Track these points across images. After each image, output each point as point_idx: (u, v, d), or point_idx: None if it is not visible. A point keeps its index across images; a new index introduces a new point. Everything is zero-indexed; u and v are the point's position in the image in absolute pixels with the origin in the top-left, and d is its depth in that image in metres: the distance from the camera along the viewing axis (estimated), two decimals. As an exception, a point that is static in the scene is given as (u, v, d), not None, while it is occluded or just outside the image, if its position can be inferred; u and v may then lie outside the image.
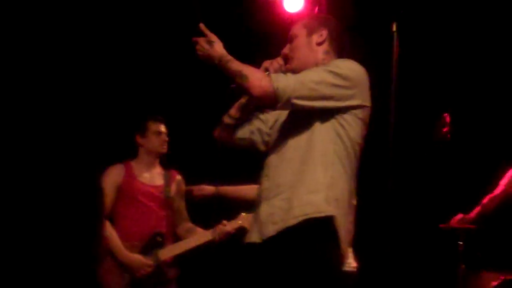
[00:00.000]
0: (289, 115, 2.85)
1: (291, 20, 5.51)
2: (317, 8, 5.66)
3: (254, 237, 2.72)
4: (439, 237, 5.22)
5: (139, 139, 4.44)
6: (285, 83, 2.58)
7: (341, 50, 2.91)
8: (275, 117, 2.97)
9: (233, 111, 2.96)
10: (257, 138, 2.97)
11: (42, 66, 5.37)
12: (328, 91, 2.62)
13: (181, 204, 4.50)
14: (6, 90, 5.12)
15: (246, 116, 2.97)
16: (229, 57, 2.67)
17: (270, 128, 2.97)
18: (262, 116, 3.00)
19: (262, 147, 2.97)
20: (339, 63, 2.73)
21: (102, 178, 4.30)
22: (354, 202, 2.79)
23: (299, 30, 2.90)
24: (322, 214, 2.59)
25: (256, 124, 2.98)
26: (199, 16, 5.67)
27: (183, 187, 4.52)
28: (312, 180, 2.63)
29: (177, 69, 5.83)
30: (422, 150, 5.72)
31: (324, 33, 2.87)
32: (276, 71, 2.80)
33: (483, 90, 5.87)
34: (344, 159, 2.69)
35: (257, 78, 2.60)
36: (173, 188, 4.44)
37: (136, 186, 4.33)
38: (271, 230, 2.63)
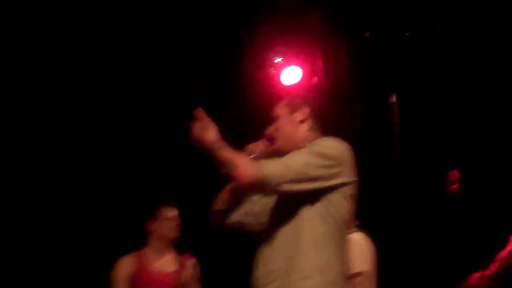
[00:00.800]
0: (276, 199, 2.81)
1: (288, 93, 5.62)
2: (315, 79, 5.77)
3: None
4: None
5: (151, 226, 4.45)
6: (273, 169, 2.56)
7: (324, 125, 2.92)
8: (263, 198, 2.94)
9: (223, 195, 2.93)
10: (250, 220, 2.93)
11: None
12: (314, 172, 2.59)
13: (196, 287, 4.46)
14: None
15: (238, 199, 2.93)
16: (221, 144, 2.65)
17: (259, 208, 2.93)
18: (253, 197, 2.95)
19: (258, 228, 2.91)
20: (323, 143, 2.73)
21: (114, 270, 4.30)
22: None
23: (281, 110, 2.91)
24: None
25: (248, 205, 2.94)
26: (200, 97, 5.85)
27: (198, 269, 4.48)
28: (305, 265, 2.58)
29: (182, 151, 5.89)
30: (433, 207, 5.65)
31: (306, 110, 2.88)
32: (262, 153, 2.81)
33: (491, 145, 5.83)
34: (336, 238, 2.65)
35: (245, 167, 2.56)
36: (187, 272, 4.40)
37: (147, 276, 4.28)
38: None
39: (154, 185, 5.78)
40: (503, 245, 5.14)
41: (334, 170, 2.64)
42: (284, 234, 2.66)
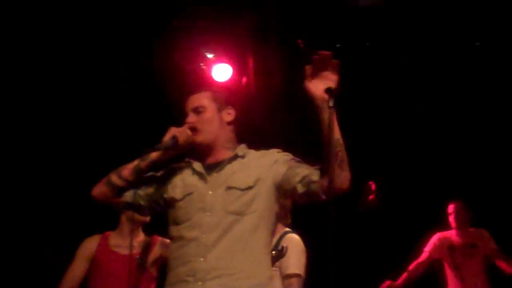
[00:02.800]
0: (230, 199, 2.71)
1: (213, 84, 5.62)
2: (244, 79, 5.80)
3: None
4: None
5: None
6: None
7: (240, 128, 2.94)
8: (183, 189, 2.81)
9: (126, 172, 2.81)
10: (144, 203, 2.86)
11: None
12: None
13: None
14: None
15: (138, 180, 2.83)
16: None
17: (178, 199, 2.79)
18: (153, 182, 2.88)
19: (146, 213, 2.95)
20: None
21: (78, 249, 4.20)
22: None
23: (208, 103, 2.86)
24: None
25: (144, 189, 2.85)
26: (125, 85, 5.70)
27: (168, 244, 4.35)
28: (259, 273, 2.62)
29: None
30: (350, 217, 5.86)
31: (232, 112, 2.90)
32: (184, 142, 2.76)
33: (408, 161, 6.14)
34: (270, 241, 2.77)
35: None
36: (154, 253, 4.30)
37: (108, 257, 4.17)
38: None
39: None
40: (413, 257, 5.48)
41: None
42: (238, 236, 2.62)
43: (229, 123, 2.87)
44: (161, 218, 3.91)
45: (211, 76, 5.69)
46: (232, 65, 5.71)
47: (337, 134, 2.54)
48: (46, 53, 5.31)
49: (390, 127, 6.20)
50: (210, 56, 5.67)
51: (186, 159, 2.91)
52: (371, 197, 5.17)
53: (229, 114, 2.87)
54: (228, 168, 2.78)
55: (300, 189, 2.62)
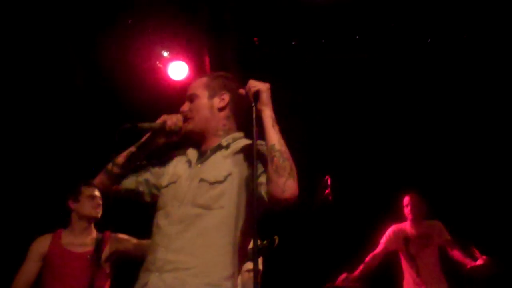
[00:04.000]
0: (199, 191, 2.65)
1: (175, 87, 5.62)
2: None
3: None
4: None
5: (72, 205, 4.27)
6: None
7: (241, 114, 2.85)
8: (170, 177, 2.81)
9: (120, 159, 2.80)
10: (144, 189, 2.84)
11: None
12: None
13: (129, 245, 4.27)
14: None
15: (133, 165, 2.84)
16: None
17: (163, 186, 2.80)
18: (151, 168, 2.87)
19: (147, 199, 2.87)
20: None
21: (30, 247, 4.14)
22: None
23: (200, 91, 2.82)
24: None
25: (143, 175, 2.85)
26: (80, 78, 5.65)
27: (121, 236, 4.29)
28: (214, 272, 2.54)
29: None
30: (304, 211, 5.92)
31: (226, 97, 2.81)
32: (172, 127, 2.75)
33: (362, 155, 6.22)
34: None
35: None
36: (107, 249, 4.26)
37: (61, 255, 4.14)
38: None
39: (76, 163, 5.53)
40: (369, 249, 5.57)
41: None
42: (203, 232, 2.57)
43: (220, 109, 2.81)
44: (111, 213, 3.96)
45: (168, 74, 5.69)
46: (188, 63, 5.73)
47: (272, 139, 2.52)
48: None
49: (343, 122, 6.29)
50: (165, 54, 5.67)
51: (187, 146, 2.88)
52: (326, 191, 5.20)
53: (222, 100, 2.81)
54: (211, 159, 2.73)
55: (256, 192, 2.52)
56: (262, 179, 2.54)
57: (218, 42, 5.77)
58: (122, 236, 4.30)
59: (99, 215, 4.30)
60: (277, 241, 3.60)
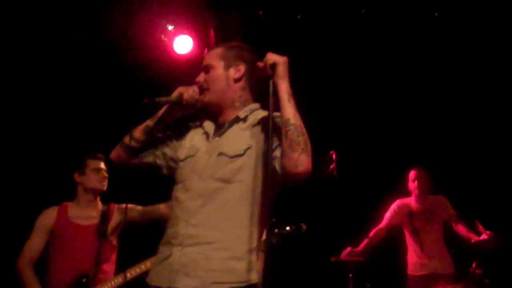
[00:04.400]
0: (219, 165, 2.64)
1: (180, 61, 5.61)
2: (206, 51, 5.78)
3: (162, 281, 2.57)
4: (331, 270, 5.40)
5: (78, 177, 4.28)
6: None
7: (257, 85, 2.82)
8: (188, 150, 2.80)
9: (137, 133, 2.76)
10: (161, 162, 2.84)
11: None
12: None
13: (136, 213, 4.24)
14: None
15: (151, 139, 2.82)
16: None
17: (181, 159, 2.79)
18: (168, 141, 2.86)
19: (165, 172, 2.86)
20: None
21: (37, 220, 4.18)
22: None
23: (216, 61, 2.77)
24: (244, 284, 2.51)
25: (160, 148, 2.84)
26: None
27: (123, 205, 4.31)
28: (237, 245, 2.54)
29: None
30: (310, 185, 5.92)
31: (242, 68, 2.77)
32: (189, 100, 2.71)
33: (366, 130, 6.22)
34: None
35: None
36: (113, 221, 4.28)
37: (68, 228, 4.17)
38: (182, 283, 2.51)
39: (82, 136, 5.55)
40: (373, 223, 5.59)
41: None
42: (224, 206, 2.58)
43: (236, 80, 2.77)
44: (117, 185, 3.95)
45: (172, 48, 5.66)
46: (193, 37, 5.70)
47: (287, 113, 2.51)
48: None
49: (348, 97, 6.28)
50: (170, 28, 5.64)
51: (202, 118, 2.86)
52: (332, 166, 5.21)
53: (238, 71, 2.77)
54: (229, 132, 2.72)
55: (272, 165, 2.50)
56: (277, 152, 2.53)
57: (223, 16, 5.73)
58: (126, 206, 4.31)
59: (105, 187, 4.32)
60: (304, 228, 3.77)
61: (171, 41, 5.64)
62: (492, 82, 5.96)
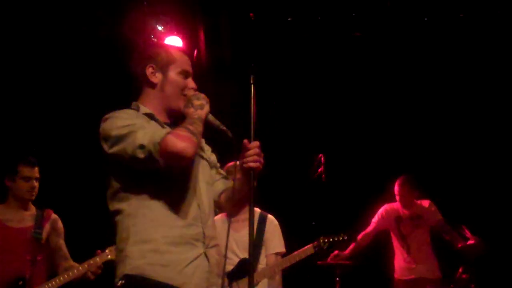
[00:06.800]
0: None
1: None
2: (196, 52, 5.77)
3: (201, 284, 2.46)
4: (317, 273, 5.39)
5: (8, 183, 4.21)
6: None
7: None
8: None
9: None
10: None
11: None
12: None
13: (58, 242, 4.28)
14: None
15: None
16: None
17: None
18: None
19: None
20: None
21: None
22: None
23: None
24: None
25: None
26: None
27: (60, 225, 4.32)
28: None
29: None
30: (298, 189, 5.93)
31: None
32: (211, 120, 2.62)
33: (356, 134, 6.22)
34: None
35: None
36: (47, 228, 4.24)
37: (1, 231, 4.12)
38: (217, 283, 2.54)
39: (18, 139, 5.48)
40: (361, 228, 5.58)
41: None
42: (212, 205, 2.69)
43: None
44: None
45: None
46: (182, 37, 5.68)
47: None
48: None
49: (337, 100, 6.29)
50: (160, 28, 5.61)
51: None
52: (320, 169, 5.21)
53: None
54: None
55: None
56: None
57: (213, 17, 5.72)
58: (61, 228, 4.31)
59: (33, 197, 4.24)
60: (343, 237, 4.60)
61: (161, 41, 5.61)
62: (477, 92, 5.99)
